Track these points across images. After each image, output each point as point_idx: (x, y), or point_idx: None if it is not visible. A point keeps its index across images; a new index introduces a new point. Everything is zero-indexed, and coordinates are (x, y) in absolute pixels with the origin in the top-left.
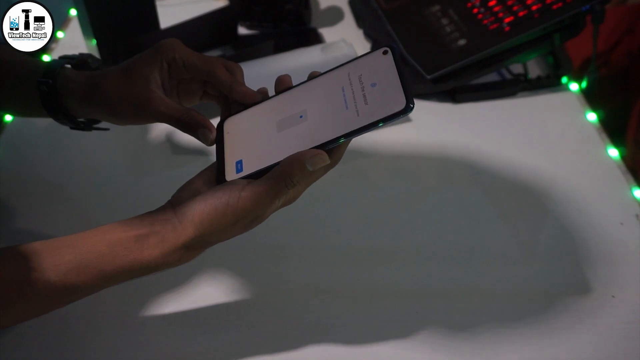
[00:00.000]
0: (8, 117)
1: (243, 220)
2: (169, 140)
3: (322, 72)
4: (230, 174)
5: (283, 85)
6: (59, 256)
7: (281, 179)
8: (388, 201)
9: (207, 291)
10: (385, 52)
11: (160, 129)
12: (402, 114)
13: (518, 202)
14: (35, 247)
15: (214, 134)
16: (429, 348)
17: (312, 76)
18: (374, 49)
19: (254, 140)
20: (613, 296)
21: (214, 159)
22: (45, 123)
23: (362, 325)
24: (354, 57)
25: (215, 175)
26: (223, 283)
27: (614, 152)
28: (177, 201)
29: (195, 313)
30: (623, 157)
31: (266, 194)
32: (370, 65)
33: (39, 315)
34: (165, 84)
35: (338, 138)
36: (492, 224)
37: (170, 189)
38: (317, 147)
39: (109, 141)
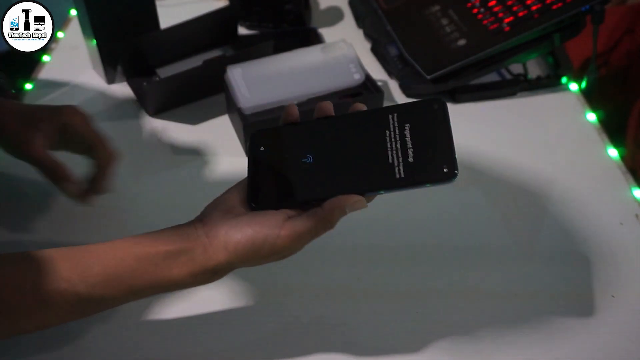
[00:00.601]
0: None
1: (277, 255)
2: (169, 140)
3: (365, 108)
4: (265, 201)
5: (323, 112)
6: (87, 268)
7: (321, 222)
8: (388, 201)
9: (207, 291)
10: (435, 106)
11: (160, 129)
12: (446, 181)
13: (518, 202)
14: (63, 255)
15: (77, 188)
16: (429, 348)
17: (355, 110)
18: (422, 100)
19: (290, 167)
20: (613, 296)
21: (213, 159)
22: None
23: (362, 325)
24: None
25: (248, 195)
26: (223, 283)
27: (613, 152)
28: (209, 219)
29: (195, 313)
30: (623, 157)
31: (305, 235)
32: (418, 117)
33: (64, 323)
34: (51, 138)
35: (378, 190)
36: (492, 224)
37: (170, 189)
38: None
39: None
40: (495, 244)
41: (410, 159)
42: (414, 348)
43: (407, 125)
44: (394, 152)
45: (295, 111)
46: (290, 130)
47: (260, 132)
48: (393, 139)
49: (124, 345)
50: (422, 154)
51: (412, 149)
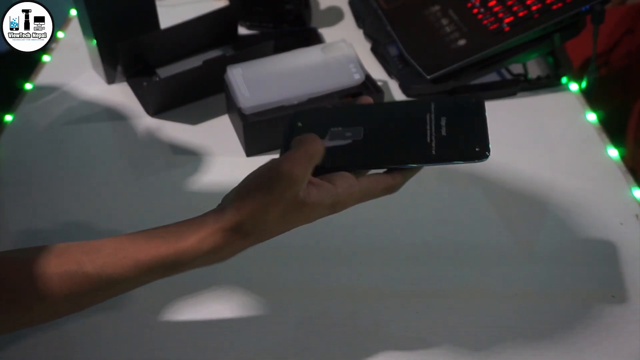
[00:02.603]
0: (8, 117)
1: (289, 189)
2: (169, 140)
3: (372, 101)
4: None
5: (363, 101)
6: (97, 250)
7: (308, 139)
8: (388, 201)
9: (206, 291)
10: (472, 100)
11: (160, 129)
12: (477, 159)
13: (518, 202)
14: (76, 244)
15: None
16: (429, 348)
17: (390, 102)
18: (461, 97)
19: (325, 141)
20: (613, 296)
21: (213, 159)
22: (45, 123)
23: (362, 325)
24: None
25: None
26: (222, 283)
27: (614, 152)
28: (222, 200)
29: (195, 314)
30: (623, 157)
31: (304, 157)
32: (456, 108)
33: (79, 311)
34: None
35: (414, 162)
36: (492, 224)
37: (170, 189)
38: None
39: (109, 141)
40: (495, 244)
41: (446, 139)
42: (414, 348)
43: (445, 112)
44: (431, 132)
45: (369, 98)
46: (330, 111)
47: (301, 112)
48: (431, 122)
49: (122, 347)
50: (458, 135)
51: (447, 132)
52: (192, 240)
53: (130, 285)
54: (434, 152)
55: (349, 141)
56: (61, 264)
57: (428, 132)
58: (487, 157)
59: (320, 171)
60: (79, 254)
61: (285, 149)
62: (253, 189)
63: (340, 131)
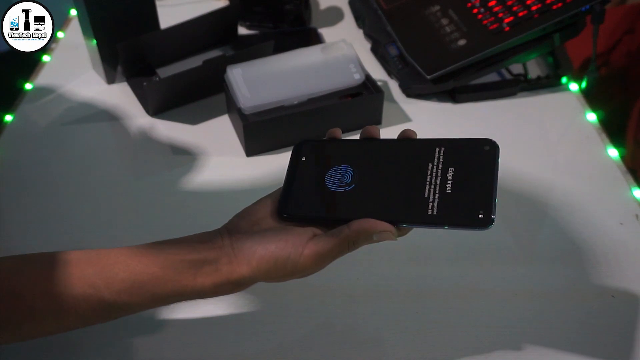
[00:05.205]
0: (8, 117)
1: (300, 274)
2: (169, 140)
3: (416, 135)
4: (296, 212)
5: (370, 134)
6: (113, 274)
7: (345, 242)
8: None
9: None
10: (486, 147)
11: (160, 129)
12: (479, 227)
13: (518, 202)
14: (90, 259)
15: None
16: (429, 348)
17: (406, 136)
18: (474, 138)
19: (327, 183)
20: (613, 296)
21: (213, 159)
22: (45, 123)
23: (361, 325)
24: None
25: (280, 203)
26: None
27: (613, 152)
28: (235, 230)
29: (193, 314)
30: (623, 157)
31: (327, 255)
32: (465, 155)
33: (88, 326)
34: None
35: (405, 222)
36: None
37: (170, 189)
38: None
39: (109, 141)
40: (495, 244)
41: (447, 198)
42: (414, 348)
43: (452, 161)
44: (432, 187)
45: (339, 133)
46: (335, 146)
47: (306, 142)
48: (434, 174)
49: (124, 348)
50: (461, 195)
51: (451, 188)
52: (207, 284)
53: (144, 309)
54: (432, 212)
55: (343, 189)
56: (76, 285)
57: (431, 187)
58: (491, 224)
59: (308, 220)
60: (93, 276)
61: (289, 176)
62: (273, 265)
63: (336, 176)
